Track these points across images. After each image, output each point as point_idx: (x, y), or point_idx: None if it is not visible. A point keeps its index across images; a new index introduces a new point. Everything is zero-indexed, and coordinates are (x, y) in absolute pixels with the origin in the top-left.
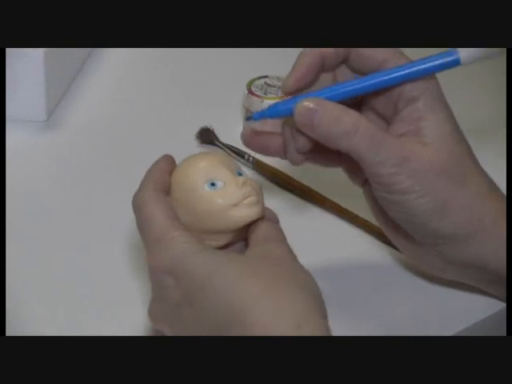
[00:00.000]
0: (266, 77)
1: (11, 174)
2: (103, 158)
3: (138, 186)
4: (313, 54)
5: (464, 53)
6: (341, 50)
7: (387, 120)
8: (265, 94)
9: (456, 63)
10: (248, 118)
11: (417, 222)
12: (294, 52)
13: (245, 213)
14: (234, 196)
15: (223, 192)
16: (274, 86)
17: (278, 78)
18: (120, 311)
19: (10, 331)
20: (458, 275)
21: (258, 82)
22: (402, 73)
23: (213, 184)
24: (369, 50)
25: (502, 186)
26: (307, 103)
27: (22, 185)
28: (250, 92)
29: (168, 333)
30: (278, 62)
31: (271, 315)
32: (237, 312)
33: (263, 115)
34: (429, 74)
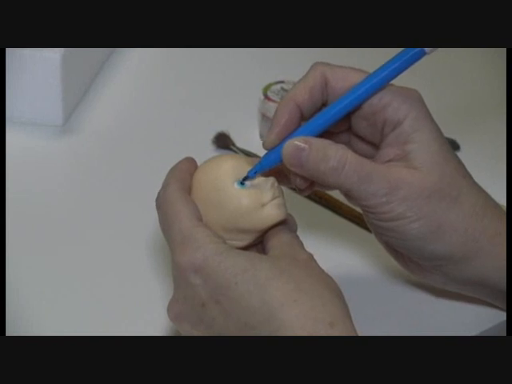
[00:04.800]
0: (282, 82)
1: (27, 178)
2: (120, 163)
3: (154, 190)
4: (289, 106)
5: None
6: (316, 94)
7: (376, 146)
8: (281, 99)
9: (421, 53)
10: (244, 179)
11: (412, 246)
12: (311, 57)
13: (274, 213)
14: (263, 195)
15: (253, 191)
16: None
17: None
18: (121, 311)
19: (11, 331)
20: (460, 289)
21: (274, 88)
22: (383, 74)
23: (242, 183)
24: (340, 82)
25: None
26: (296, 142)
27: (38, 188)
28: (267, 97)
29: (189, 332)
30: (294, 67)
31: (304, 313)
32: (270, 310)
33: (257, 170)
34: (400, 73)
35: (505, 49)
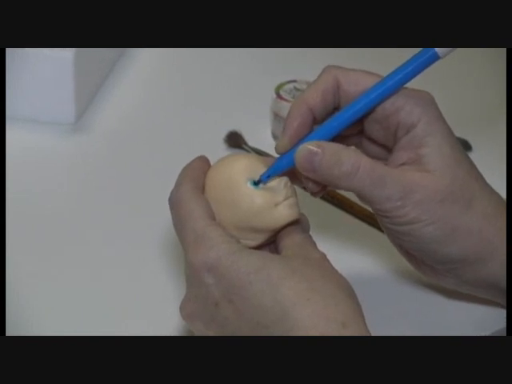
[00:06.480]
0: (294, 81)
1: (37, 176)
2: (131, 162)
3: (166, 190)
4: (301, 109)
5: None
6: (328, 97)
7: (388, 149)
8: (293, 98)
9: (435, 57)
10: (257, 183)
11: (426, 249)
12: (323, 57)
13: (286, 212)
14: (276, 195)
15: (266, 190)
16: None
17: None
18: (132, 311)
19: (11, 331)
20: (473, 291)
21: (286, 87)
22: (396, 78)
23: (255, 182)
24: (352, 86)
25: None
26: (309, 146)
27: (49, 187)
28: (279, 96)
29: (201, 331)
30: (306, 67)
31: (317, 312)
32: (282, 309)
33: (270, 174)
34: (413, 77)
35: None
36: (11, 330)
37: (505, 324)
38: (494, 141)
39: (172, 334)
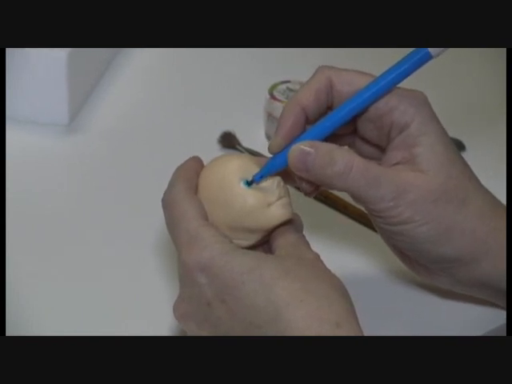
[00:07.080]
0: (288, 82)
1: (32, 177)
2: (125, 162)
3: (160, 190)
4: (294, 109)
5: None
6: (321, 97)
7: (381, 148)
8: (287, 98)
9: (428, 57)
10: (250, 183)
11: (420, 249)
12: (317, 57)
13: (279, 212)
14: (269, 195)
15: (259, 190)
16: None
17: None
18: (125, 311)
19: (11, 331)
20: (467, 291)
21: (280, 87)
22: (389, 78)
23: (248, 182)
24: (345, 86)
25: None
26: (302, 146)
27: (43, 188)
28: (273, 97)
29: (194, 331)
30: (300, 67)
31: (310, 313)
32: (276, 309)
33: (263, 175)
34: (406, 77)
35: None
36: (11, 330)
37: (498, 323)
38: (488, 141)
39: (165, 335)
